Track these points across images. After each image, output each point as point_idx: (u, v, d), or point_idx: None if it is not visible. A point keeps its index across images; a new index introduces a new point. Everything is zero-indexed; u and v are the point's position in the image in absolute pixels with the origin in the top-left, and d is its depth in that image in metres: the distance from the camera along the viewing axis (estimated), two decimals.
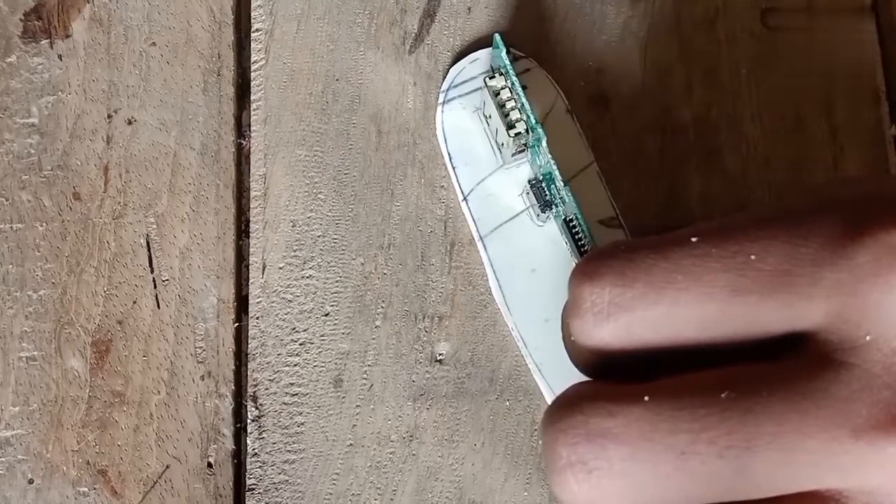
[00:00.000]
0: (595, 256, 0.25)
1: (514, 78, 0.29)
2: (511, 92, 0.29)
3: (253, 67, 0.35)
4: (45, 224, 0.34)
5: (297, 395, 0.33)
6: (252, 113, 0.35)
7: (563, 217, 0.31)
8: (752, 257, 0.23)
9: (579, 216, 0.30)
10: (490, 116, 0.33)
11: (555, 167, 0.30)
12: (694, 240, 0.24)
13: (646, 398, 0.23)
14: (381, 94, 0.35)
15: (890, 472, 0.22)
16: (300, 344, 0.33)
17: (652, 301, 0.24)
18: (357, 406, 0.33)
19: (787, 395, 0.22)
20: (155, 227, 0.34)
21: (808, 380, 0.23)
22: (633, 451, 0.23)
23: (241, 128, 0.35)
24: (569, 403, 0.24)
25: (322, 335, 0.33)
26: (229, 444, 0.33)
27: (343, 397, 0.33)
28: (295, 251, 0.34)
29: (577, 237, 0.31)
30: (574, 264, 0.32)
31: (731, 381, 0.23)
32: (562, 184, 0.30)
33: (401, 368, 0.33)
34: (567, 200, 0.30)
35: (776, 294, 0.23)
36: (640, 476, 0.23)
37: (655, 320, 0.24)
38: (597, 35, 0.35)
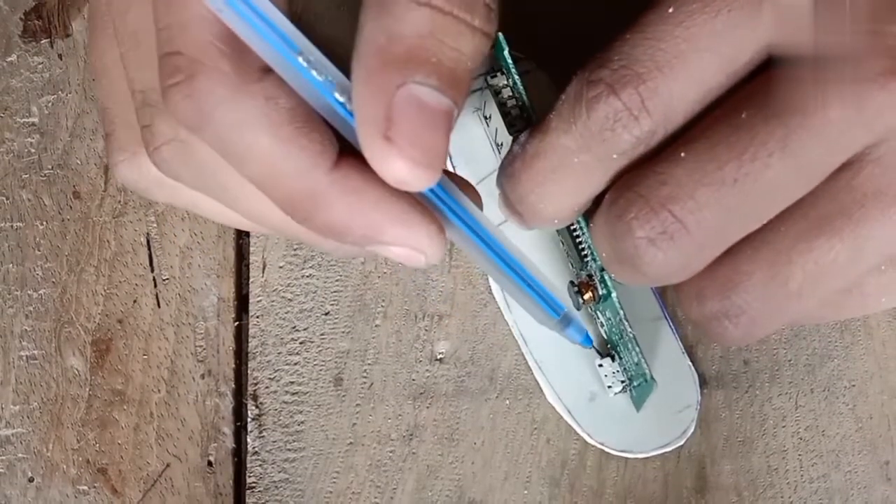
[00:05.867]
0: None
1: (516, 77, 0.29)
2: (512, 91, 0.29)
3: None
4: (45, 223, 0.34)
5: (297, 393, 0.33)
6: None
7: None
8: None
9: None
10: (489, 117, 0.33)
11: None
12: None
13: (682, 154, 0.24)
14: None
15: None
16: (300, 343, 0.33)
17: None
18: (357, 405, 0.33)
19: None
20: (155, 225, 0.34)
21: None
22: (696, 202, 0.24)
23: None
24: (620, 197, 0.25)
25: (322, 334, 0.33)
26: (229, 443, 0.33)
27: (343, 396, 0.33)
28: (295, 250, 0.34)
29: (572, 231, 0.31)
30: (569, 264, 0.32)
31: (742, 104, 0.24)
32: None
33: (401, 367, 0.33)
34: None
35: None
36: (712, 219, 0.24)
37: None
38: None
